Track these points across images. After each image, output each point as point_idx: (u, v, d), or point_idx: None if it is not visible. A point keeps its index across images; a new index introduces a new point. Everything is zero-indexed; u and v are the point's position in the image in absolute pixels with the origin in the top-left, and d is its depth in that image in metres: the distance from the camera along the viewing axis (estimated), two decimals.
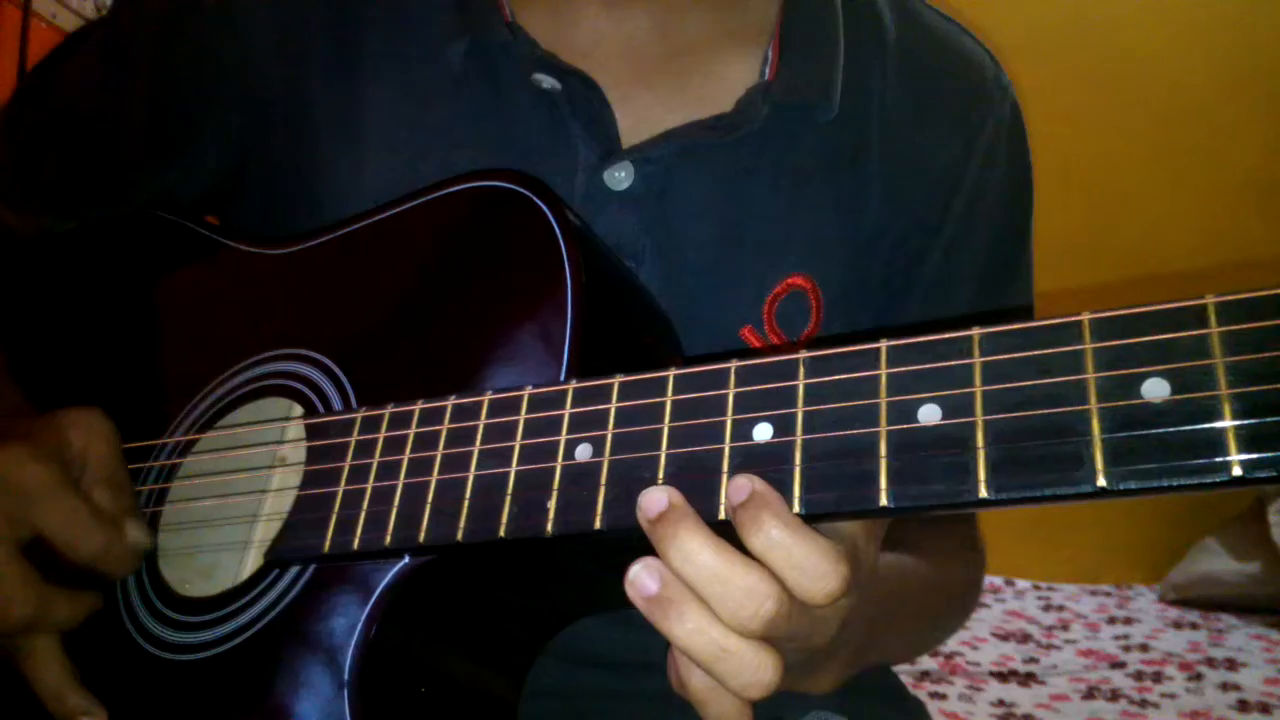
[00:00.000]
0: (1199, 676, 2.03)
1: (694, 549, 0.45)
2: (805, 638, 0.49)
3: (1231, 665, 2.08)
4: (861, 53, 0.80)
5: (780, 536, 0.44)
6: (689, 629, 0.45)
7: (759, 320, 0.75)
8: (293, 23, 0.79)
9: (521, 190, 0.62)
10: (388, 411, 0.59)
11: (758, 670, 0.45)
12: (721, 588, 0.45)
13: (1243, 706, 1.90)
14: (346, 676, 0.55)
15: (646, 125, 0.76)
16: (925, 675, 2.05)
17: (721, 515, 0.45)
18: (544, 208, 0.61)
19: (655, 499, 0.46)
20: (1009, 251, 0.86)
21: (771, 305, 0.75)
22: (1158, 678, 2.03)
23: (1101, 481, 0.38)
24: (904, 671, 2.09)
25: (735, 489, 0.45)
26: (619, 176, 0.74)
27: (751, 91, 0.76)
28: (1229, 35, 2.94)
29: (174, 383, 0.74)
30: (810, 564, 0.44)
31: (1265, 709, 1.89)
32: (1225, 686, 1.98)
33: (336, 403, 0.64)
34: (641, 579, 0.46)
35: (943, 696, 1.96)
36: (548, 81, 0.74)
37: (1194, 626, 2.37)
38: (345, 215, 0.72)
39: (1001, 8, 2.74)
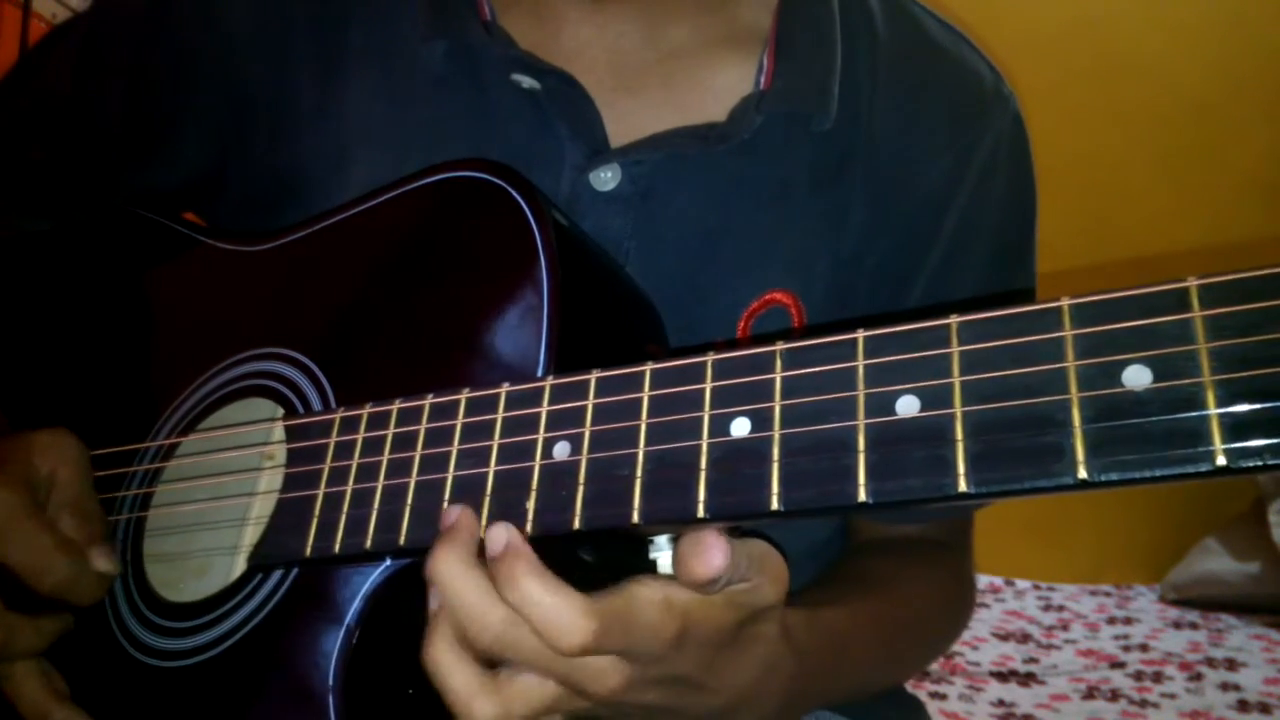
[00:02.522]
0: (1199, 676, 2.02)
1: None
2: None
3: (1231, 665, 2.07)
4: (853, 60, 0.78)
5: (530, 592, 0.46)
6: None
7: (732, 335, 0.74)
8: (275, 18, 0.78)
9: (493, 179, 0.61)
10: (366, 412, 0.58)
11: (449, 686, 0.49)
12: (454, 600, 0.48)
13: (1243, 706, 1.89)
14: (331, 682, 0.55)
15: (633, 131, 0.75)
16: (925, 675, 2.04)
17: (700, 514, 0.44)
18: (518, 197, 0.60)
19: (450, 513, 0.50)
20: (1007, 267, 0.83)
21: (748, 321, 0.74)
22: (1158, 678, 2.02)
23: (1082, 473, 0.37)
24: None
25: (492, 540, 0.48)
26: (605, 177, 0.73)
27: (745, 101, 0.75)
28: (1229, 35, 2.93)
29: (155, 384, 0.74)
30: (551, 622, 0.46)
31: (1265, 709, 1.88)
32: (1225, 686, 1.97)
33: (315, 402, 0.64)
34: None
35: (943, 696, 1.95)
36: (526, 81, 0.74)
37: (1194, 626, 2.36)
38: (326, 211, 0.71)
39: (1001, 8, 2.74)
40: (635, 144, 0.74)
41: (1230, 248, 2.75)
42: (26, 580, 0.61)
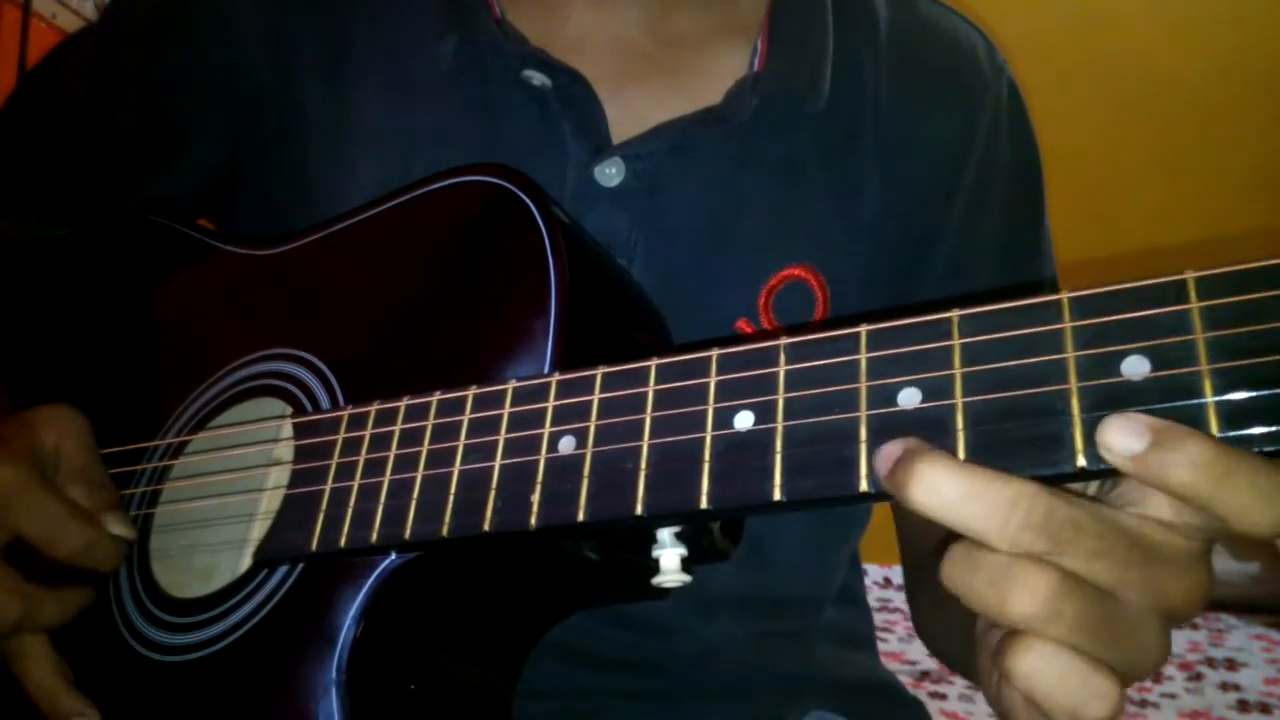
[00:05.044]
0: (1199, 676, 2.03)
1: (938, 478, 0.38)
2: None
3: (1231, 665, 2.07)
4: (853, 41, 0.80)
5: (1231, 463, 0.36)
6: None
7: (754, 313, 0.75)
8: (282, 22, 0.79)
9: (504, 184, 0.62)
10: (374, 409, 0.58)
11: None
12: (976, 505, 0.38)
13: (1242, 706, 1.89)
14: (334, 675, 0.55)
15: (637, 120, 0.76)
16: (925, 675, 2.05)
17: (703, 505, 0.45)
18: (527, 200, 0.61)
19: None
20: (1024, 230, 0.85)
21: (767, 297, 0.75)
22: (1157, 677, 2.03)
23: (1081, 462, 0.37)
24: (904, 671, 2.09)
25: (1125, 436, 0.37)
26: (609, 173, 0.74)
27: (740, 83, 0.76)
28: (1229, 35, 2.94)
29: (166, 386, 0.74)
30: (1276, 483, 0.36)
31: (1265, 709, 1.88)
32: (1225, 686, 1.98)
33: (324, 401, 0.64)
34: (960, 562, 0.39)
35: (942, 696, 1.96)
36: (538, 78, 0.74)
37: (1194, 626, 2.36)
38: (337, 215, 0.72)
39: (1003, 7, 2.74)
40: (637, 137, 0.75)
41: (1230, 247, 2.75)
42: (44, 549, 0.61)
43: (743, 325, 0.74)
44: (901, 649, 2.20)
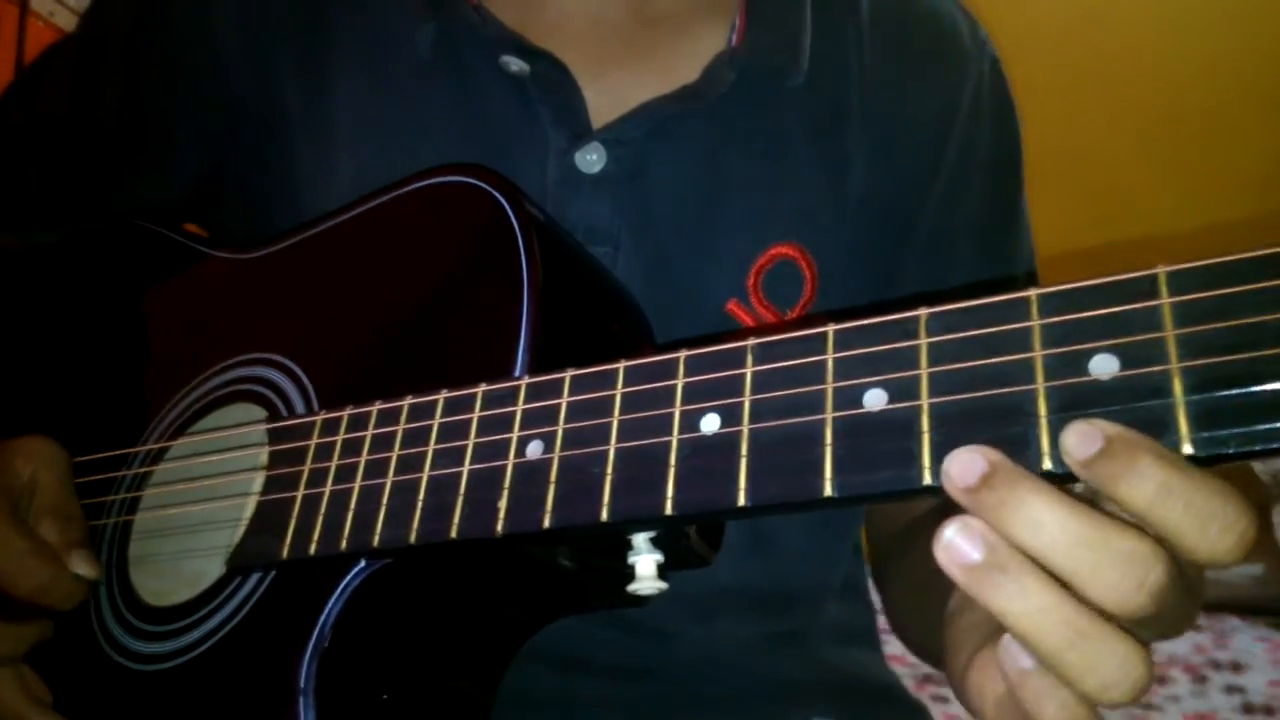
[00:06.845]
0: (1203, 679, 2.01)
1: (1045, 514, 0.35)
2: (1177, 620, 0.39)
3: (1236, 668, 2.06)
4: (834, 17, 0.80)
5: (1171, 480, 0.34)
6: (1033, 607, 0.36)
7: (744, 293, 0.74)
8: (261, 19, 0.79)
9: (478, 184, 0.61)
10: (346, 414, 0.58)
11: (1125, 659, 0.35)
12: (1091, 555, 0.35)
13: (1247, 709, 1.88)
14: (303, 684, 0.54)
15: (617, 104, 0.75)
16: (928, 678, 2.03)
17: (668, 511, 0.44)
18: (501, 200, 0.60)
19: (967, 464, 0.36)
20: (1005, 207, 0.84)
21: (757, 276, 0.74)
22: (1162, 680, 2.02)
23: (1047, 465, 0.36)
24: (907, 674, 2.07)
25: (1080, 441, 0.35)
26: (590, 159, 0.73)
27: (717, 58, 0.76)
28: (1229, 35, 2.93)
29: (147, 392, 0.74)
30: (1215, 509, 0.34)
31: (1270, 711, 1.87)
32: (1230, 689, 1.96)
33: (300, 406, 0.64)
34: (957, 545, 0.36)
35: (945, 699, 1.94)
36: (516, 64, 0.74)
37: (1198, 629, 2.35)
38: (321, 213, 0.71)
39: (1002, 6, 2.74)
40: (616, 121, 0.74)
41: (1229, 247, 2.74)
42: (2, 585, 0.61)
43: (734, 307, 0.73)
44: (903, 651, 2.19)
